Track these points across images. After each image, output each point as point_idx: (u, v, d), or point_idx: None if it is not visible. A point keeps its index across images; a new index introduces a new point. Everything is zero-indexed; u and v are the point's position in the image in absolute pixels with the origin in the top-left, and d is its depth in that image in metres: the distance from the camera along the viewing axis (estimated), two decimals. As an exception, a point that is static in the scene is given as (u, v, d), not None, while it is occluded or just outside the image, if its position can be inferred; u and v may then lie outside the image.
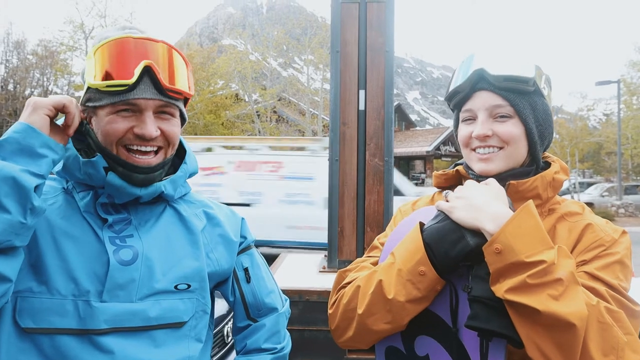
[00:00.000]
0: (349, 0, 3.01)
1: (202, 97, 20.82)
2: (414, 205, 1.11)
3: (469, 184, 0.87)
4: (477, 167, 0.94)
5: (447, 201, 0.86)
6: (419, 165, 53.32)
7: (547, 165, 0.99)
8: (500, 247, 0.75)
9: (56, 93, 24.55)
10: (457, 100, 0.96)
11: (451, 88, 0.96)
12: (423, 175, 46.79)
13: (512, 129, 0.90)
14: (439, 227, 0.84)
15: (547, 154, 1.01)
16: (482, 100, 0.91)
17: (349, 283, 0.96)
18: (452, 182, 1.04)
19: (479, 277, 0.79)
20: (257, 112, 21.76)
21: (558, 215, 0.93)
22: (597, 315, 0.74)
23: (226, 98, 22.15)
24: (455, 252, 0.81)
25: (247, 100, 22.14)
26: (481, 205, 0.81)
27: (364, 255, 1.08)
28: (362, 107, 2.99)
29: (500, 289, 0.75)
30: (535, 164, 0.96)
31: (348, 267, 1.03)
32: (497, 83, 0.89)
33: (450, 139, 46.23)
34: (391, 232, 1.00)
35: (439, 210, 0.86)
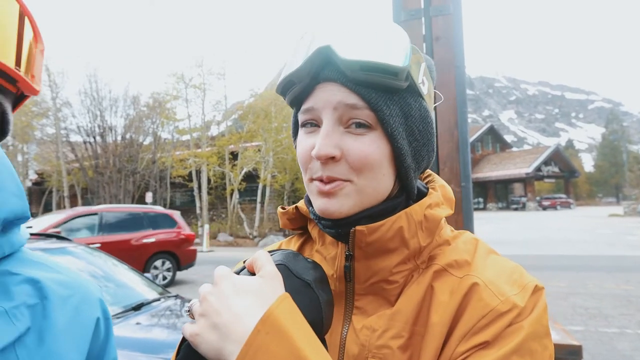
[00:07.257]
0: (411, 17, 2.85)
1: (290, 131, 21.70)
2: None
3: (220, 276, 0.50)
4: (317, 205, 0.59)
5: (192, 318, 0.50)
6: (518, 188, 49.66)
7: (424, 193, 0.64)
8: None
9: (166, 140, 27.34)
10: (293, 96, 0.61)
11: (282, 76, 0.60)
12: (524, 199, 43.28)
13: (371, 148, 0.56)
14: None
15: (429, 171, 0.67)
16: (328, 97, 0.56)
17: None
18: (299, 224, 0.71)
19: None
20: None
21: (438, 266, 0.59)
22: None
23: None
24: None
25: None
26: (227, 323, 0.46)
27: None
28: (432, 129, 2.76)
29: None
30: (406, 193, 0.62)
31: None
32: (350, 73, 0.54)
33: (553, 159, 42.40)
34: None
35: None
